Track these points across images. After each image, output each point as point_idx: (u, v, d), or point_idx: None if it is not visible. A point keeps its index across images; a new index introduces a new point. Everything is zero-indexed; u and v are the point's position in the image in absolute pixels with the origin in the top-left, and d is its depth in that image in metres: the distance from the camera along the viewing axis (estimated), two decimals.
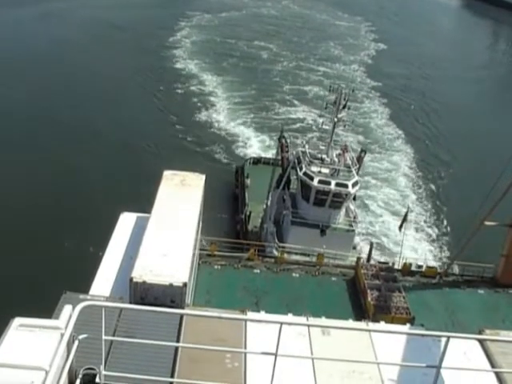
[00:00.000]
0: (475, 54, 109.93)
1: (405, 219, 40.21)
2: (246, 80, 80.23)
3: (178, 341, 14.16)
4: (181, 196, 21.38)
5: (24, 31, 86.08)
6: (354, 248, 41.20)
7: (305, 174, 40.19)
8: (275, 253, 37.27)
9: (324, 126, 41.73)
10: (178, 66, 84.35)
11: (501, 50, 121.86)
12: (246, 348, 14.28)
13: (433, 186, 59.23)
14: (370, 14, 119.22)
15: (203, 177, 22.95)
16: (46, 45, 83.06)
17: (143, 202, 22.31)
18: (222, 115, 69.40)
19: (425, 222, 53.34)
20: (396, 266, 35.38)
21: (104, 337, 10.06)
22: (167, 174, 22.73)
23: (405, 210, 42.81)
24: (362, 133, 66.97)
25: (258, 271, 32.97)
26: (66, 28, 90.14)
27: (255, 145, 63.49)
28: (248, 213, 45.75)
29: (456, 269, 36.50)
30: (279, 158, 44.21)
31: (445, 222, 52.99)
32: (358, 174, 40.94)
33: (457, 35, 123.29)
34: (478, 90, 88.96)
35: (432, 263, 38.88)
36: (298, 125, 68.01)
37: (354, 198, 43.00)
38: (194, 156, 57.45)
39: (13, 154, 53.30)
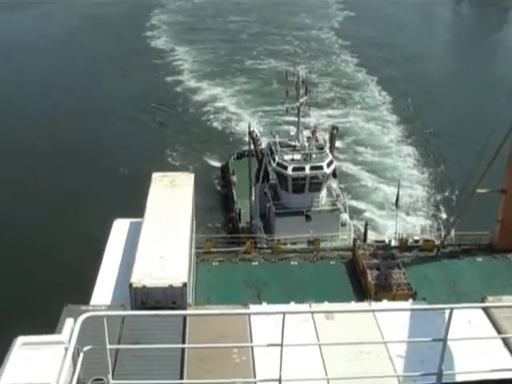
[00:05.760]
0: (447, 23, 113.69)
1: (398, 194, 40.29)
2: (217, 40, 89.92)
3: (183, 341, 14.14)
4: (172, 197, 21.33)
5: None
6: (344, 225, 41.22)
7: (278, 164, 40.22)
8: (265, 247, 37.23)
9: (287, 118, 41.88)
10: (155, 45, 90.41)
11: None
12: (251, 341, 14.29)
13: (421, 156, 59.03)
14: None
15: (192, 176, 22.94)
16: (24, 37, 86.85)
17: (135, 206, 22.17)
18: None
19: (417, 195, 53.16)
20: (393, 243, 35.48)
21: (108, 346, 10.01)
22: (156, 176, 22.67)
23: (396, 186, 42.73)
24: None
25: (257, 263, 32.94)
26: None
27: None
28: (238, 210, 45.39)
29: (453, 239, 36.57)
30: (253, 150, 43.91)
31: (437, 193, 52.89)
32: (331, 152, 41.05)
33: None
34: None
35: (428, 236, 38.95)
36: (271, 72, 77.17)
37: (335, 176, 43.03)
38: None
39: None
